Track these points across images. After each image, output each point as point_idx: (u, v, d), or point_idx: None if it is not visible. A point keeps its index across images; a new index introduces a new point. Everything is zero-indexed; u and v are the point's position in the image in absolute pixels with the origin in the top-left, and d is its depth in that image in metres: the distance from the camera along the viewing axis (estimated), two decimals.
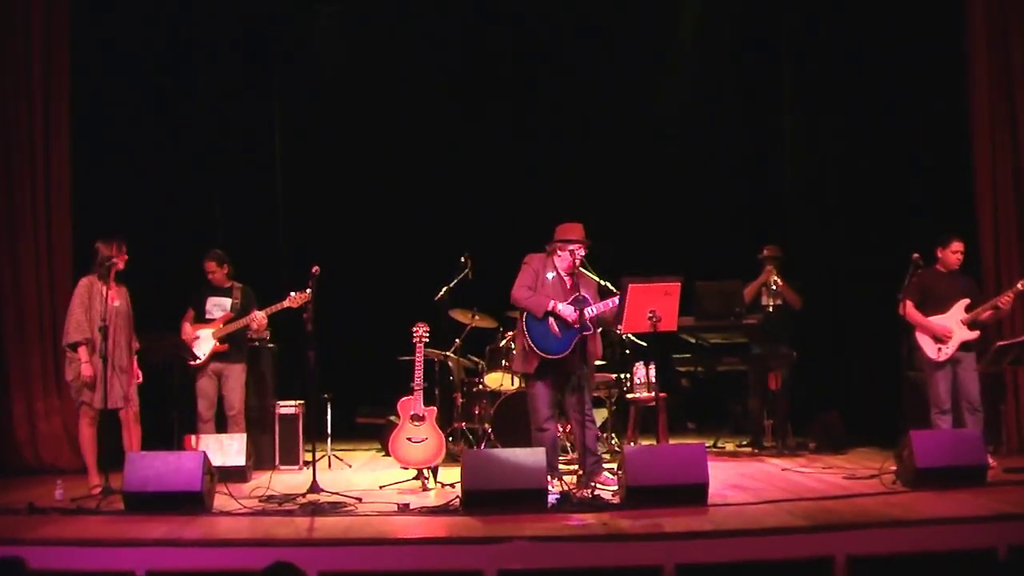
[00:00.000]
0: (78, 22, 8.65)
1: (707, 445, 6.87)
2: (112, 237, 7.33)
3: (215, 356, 7.98)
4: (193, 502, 6.28)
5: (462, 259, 8.81)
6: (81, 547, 5.47)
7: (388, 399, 8.02)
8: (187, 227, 9.40)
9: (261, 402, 8.59)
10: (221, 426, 8.06)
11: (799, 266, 9.43)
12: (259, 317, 7.94)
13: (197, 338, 7.96)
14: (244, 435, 7.92)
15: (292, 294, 7.74)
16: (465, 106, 10.54)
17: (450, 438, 8.27)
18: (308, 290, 7.44)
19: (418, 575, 5.25)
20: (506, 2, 10.40)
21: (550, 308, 6.98)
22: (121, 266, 7.34)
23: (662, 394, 8.49)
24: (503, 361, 8.69)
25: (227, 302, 8.10)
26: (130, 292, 7.55)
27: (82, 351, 7.21)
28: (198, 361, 7.90)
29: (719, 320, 8.87)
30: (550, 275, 7.14)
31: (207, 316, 8.07)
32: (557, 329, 6.99)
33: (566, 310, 6.97)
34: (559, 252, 7.14)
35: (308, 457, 7.58)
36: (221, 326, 7.99)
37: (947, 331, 7.50)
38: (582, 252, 7.08)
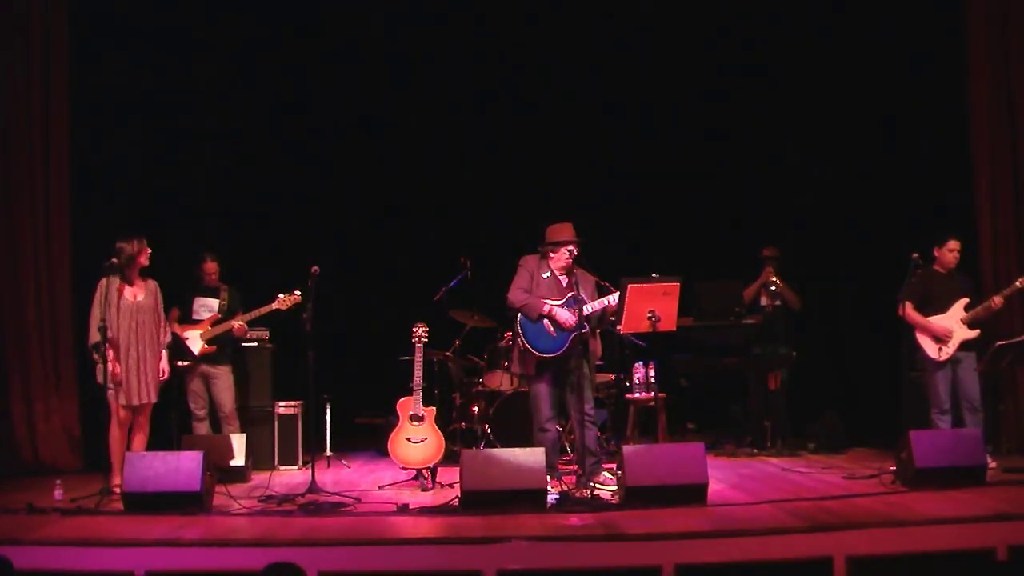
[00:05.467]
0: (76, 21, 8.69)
1: (706, 445, 6.83)
2: (132, 234, 7.21)
3: (202, 357, 7.97)
4: (193, 502, 6.28)
5: (460, 259, 8.80)
6: (81, 547, 5.46)
7: (388, 399, 8.02)
8: (185, 227, 9.39)
9: (260, 402, 8.59)
10: (216, 427, 8.06)
11: (798, 267, 9.42)
12: (240, 321, 7.92)
13: (186, 339, 7.94)
14: (243, 435, 7.92)
15: (280, 296, 7.73)
16: (464, 105, 10.53)
17: (449, 438, 8.26)
18: (297, 292, 7.42)
19: (417, 575, 5.25)
20: (502, 5, 10.38)
21: (545, 312, 6.99)
22: (144, 262, 7.19)
23: (662, 394, 8.49)
24: (503, 361, 8.69)
25: (214, 303, 8.10)
26: None
27: (108, 351, 7.00)
28: (188, 363, 7.88)
29: (719, 320, 8.87)
30: (545, 275, 7.15)
31: (194, 317, 8.06)
32: (552, 329, 6.99)
33: (563, 315, 6.97)
34: (552, 253, 7.14)
35: (307, 457, 7.57)
36: (209, 327, 7.99)
37: (947, 331, 7.49)
38: (575, 251, 7.06)
